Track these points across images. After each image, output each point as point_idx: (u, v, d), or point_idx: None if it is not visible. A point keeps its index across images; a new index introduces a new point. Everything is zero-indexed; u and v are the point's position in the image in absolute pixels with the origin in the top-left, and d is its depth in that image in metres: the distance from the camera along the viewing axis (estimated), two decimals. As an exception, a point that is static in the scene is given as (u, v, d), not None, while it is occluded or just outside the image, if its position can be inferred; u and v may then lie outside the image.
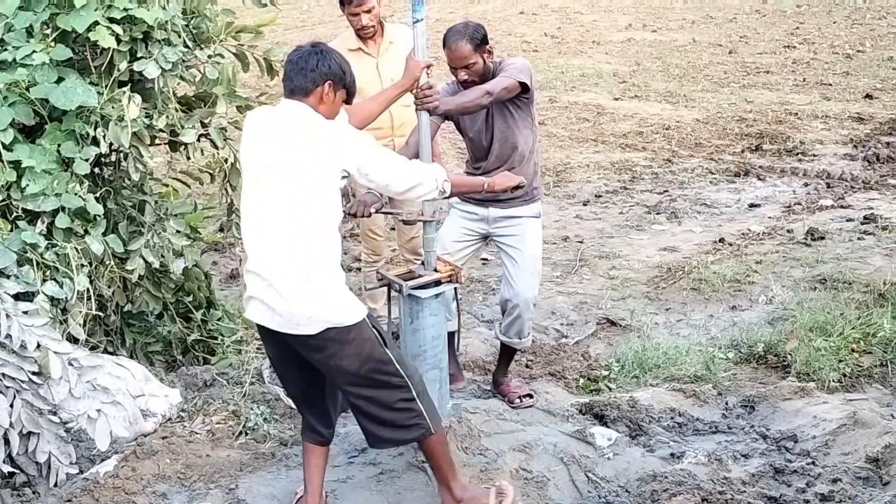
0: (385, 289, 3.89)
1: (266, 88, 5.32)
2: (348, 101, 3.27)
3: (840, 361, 4.63)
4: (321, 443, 3.43)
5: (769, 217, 7.15)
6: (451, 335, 4.42)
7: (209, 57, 4.08)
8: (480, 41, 3.91)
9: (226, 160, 4.35)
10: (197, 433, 3.93)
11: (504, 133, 4.04)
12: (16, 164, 3.64)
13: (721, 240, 6.64)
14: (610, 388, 4.62)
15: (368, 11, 4.49)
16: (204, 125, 4.18)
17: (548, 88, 11.56)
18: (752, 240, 6.64)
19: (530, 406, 4.28)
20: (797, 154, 8.77)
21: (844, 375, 4.57)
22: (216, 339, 4.69)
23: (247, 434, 3.97)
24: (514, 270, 4.17)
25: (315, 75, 3.11)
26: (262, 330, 3.22)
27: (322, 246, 3.08)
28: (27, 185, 3.63)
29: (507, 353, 4.42)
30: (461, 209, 4.28)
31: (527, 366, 4.87)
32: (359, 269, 6.24)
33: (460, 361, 4.60)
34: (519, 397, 4.33)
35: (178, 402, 4.10)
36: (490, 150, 4.09)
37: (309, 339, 3.09)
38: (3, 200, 3.61)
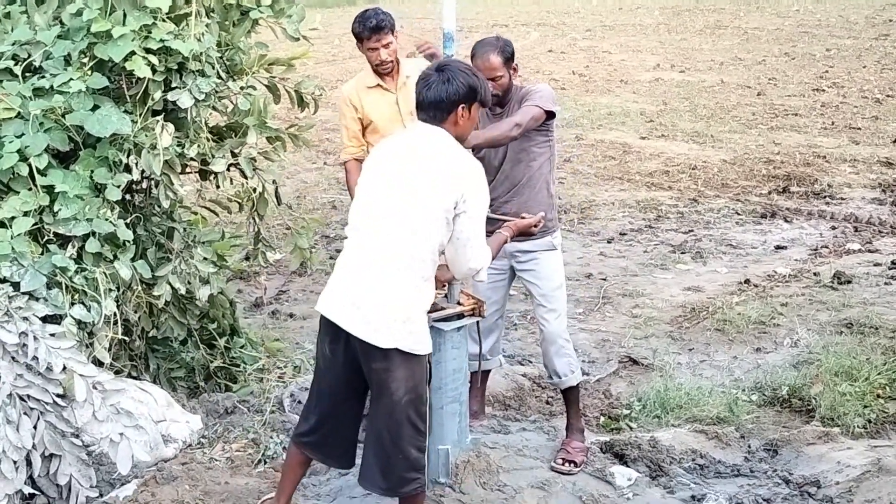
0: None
1: (296, 120, 5.38)
2: (485, 105, 3.35)
3: (865, 407, 4.57)
4: (308, 459, 3.47)
5: (795, 259, 7.10)
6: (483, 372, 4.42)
7: (241, 88, 4.14)
8: (510, 56, 3.92)
9: (254, 189, 4.41)
10: (216, 460, 3.94)
11: (517, 154, 3.97)
12: (49, 189, 3.70)
13: (746, 281, 6.60)
14: (631, 428, 4.58)
15: (386, 46, 4.54)
16: (234, 155, 4.24)
17: (574, 126, 11.61)
18: (778, 282, 6.60)
19: (568, 473, 3.98)
20: (825, 197, 8.73)
21: (869, 421, 4.51)
22: (238, 366, 4.72)
23: (265, 462, 3.98)
24: (536, 307, 4.17)
25: (448, 104, 3.17)
26: (328, 325, 3.22)
27: (423, 267, 3.14)
28: (59, 209, 3.69)
29: (565, 399, 4.28)
30: None
31: (547, 402, 4.85)
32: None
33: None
34: (563, 460, 4.04)
35: (199, 428, 4.11)
36: (500, 170, 4.01)
37: (373, 348, 3.11)
38: (36, 224, 3.66)
